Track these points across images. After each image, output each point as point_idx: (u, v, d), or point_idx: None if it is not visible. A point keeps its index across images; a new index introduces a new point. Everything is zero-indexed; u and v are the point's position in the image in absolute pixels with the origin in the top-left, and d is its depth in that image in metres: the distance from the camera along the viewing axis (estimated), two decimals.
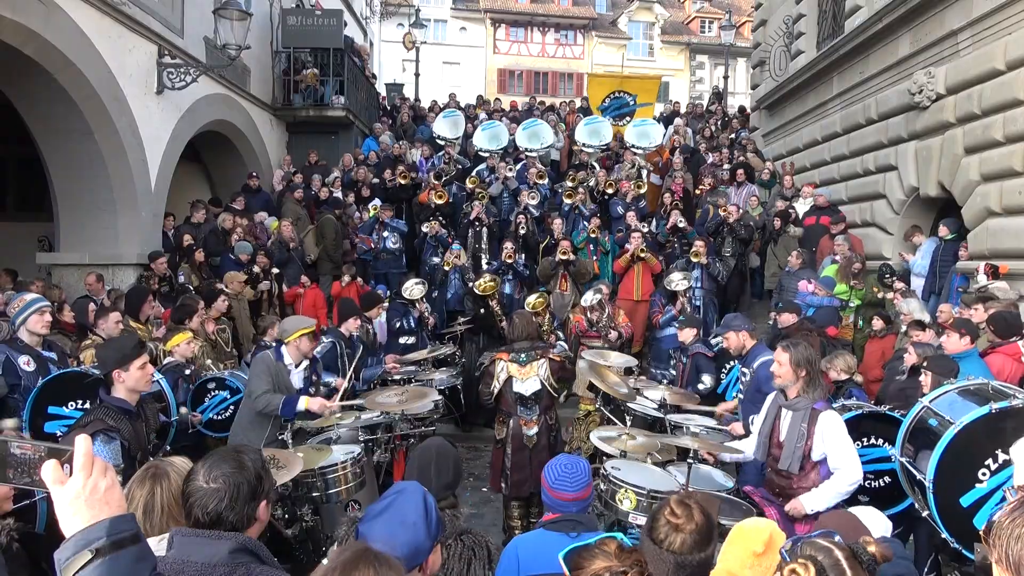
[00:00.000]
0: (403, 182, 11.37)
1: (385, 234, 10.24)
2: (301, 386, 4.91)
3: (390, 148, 13.23)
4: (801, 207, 10.24)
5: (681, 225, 9.71)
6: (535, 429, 4.92)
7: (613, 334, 7.38)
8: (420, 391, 5.25)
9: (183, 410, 4.96)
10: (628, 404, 5.44)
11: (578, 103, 18.07)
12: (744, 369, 5.11)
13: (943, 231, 7.96)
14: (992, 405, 3.33)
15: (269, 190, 12.04)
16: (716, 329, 5.72)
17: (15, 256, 9.31)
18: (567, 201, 10.55)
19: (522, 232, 9.79)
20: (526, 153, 12.57)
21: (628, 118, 14.52)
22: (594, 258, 9.60)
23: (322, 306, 9.16)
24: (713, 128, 15.08)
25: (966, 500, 3.30)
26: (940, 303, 6.89)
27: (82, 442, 1.33)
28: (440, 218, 10.13)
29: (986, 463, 3.31)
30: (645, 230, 9.71)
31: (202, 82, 9.83)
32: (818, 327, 6.85)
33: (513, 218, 10.18)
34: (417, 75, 21.22)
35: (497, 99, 19.99)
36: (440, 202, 10.39)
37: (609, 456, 4.39)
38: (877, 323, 7.10)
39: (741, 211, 10.12)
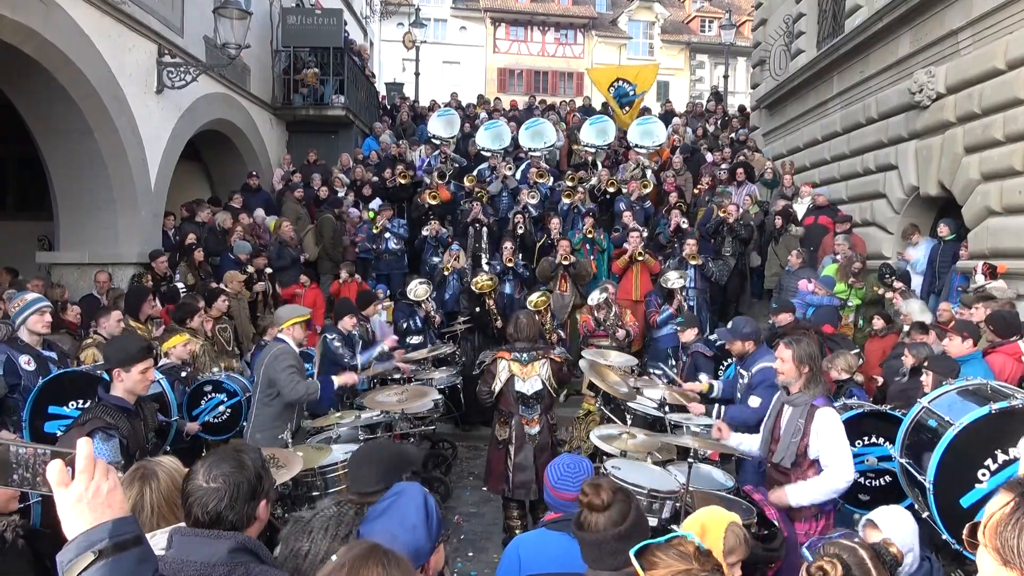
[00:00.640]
0: (403, 182, 11.37)
1: (387, 235, 10.25)
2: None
3: (390, 147, 13.22)
4: (800, 207, 10.24)
5: (684, 226, 9.71)
6: (537, 428, 4.95)
7: (621, 332, 7.40)
8: (420, 390, 5.26)
9: (180, 421, 4.93)
10: (628, 403, 5.43)
11: (579, 102, 18.07)
12: (742, 371, 5.11)
13: (943, 231, 7.96)
14: (992, 405, 3.33)
15: (269, 189, 12.05)
16: (721, 331, 5.71)
17: (15, 255, 9.30)
18: (565, 200, 10.52)
19: (520, 232, 9.78)
20: (529, 153, 12.48)
21: (627, 108, 14.56)
22: (591, 257, 9.58)
23: (321, 305, 9.12)
24: (712, 127, 15.06)
25: (966, 501, 3.30)
26: (940, 303, 6.89)
27: (83, 445, 1.34)
28: (434, 219, 10.11)
29: (986, 463, 3.31)
30: (644, 232, 9.69)
31: (202, 81, 9.83)
32: (814, 325, 6.84)
33: (512, 217, 10.17)
34: (417, 74, 21.22)
35: (497, 98, 19.95)
36: (434, 203, 10.38)
37: (609, 455, 4.39)
38: (878, 322, 7.07)
39: (741, 211, 10.11)
